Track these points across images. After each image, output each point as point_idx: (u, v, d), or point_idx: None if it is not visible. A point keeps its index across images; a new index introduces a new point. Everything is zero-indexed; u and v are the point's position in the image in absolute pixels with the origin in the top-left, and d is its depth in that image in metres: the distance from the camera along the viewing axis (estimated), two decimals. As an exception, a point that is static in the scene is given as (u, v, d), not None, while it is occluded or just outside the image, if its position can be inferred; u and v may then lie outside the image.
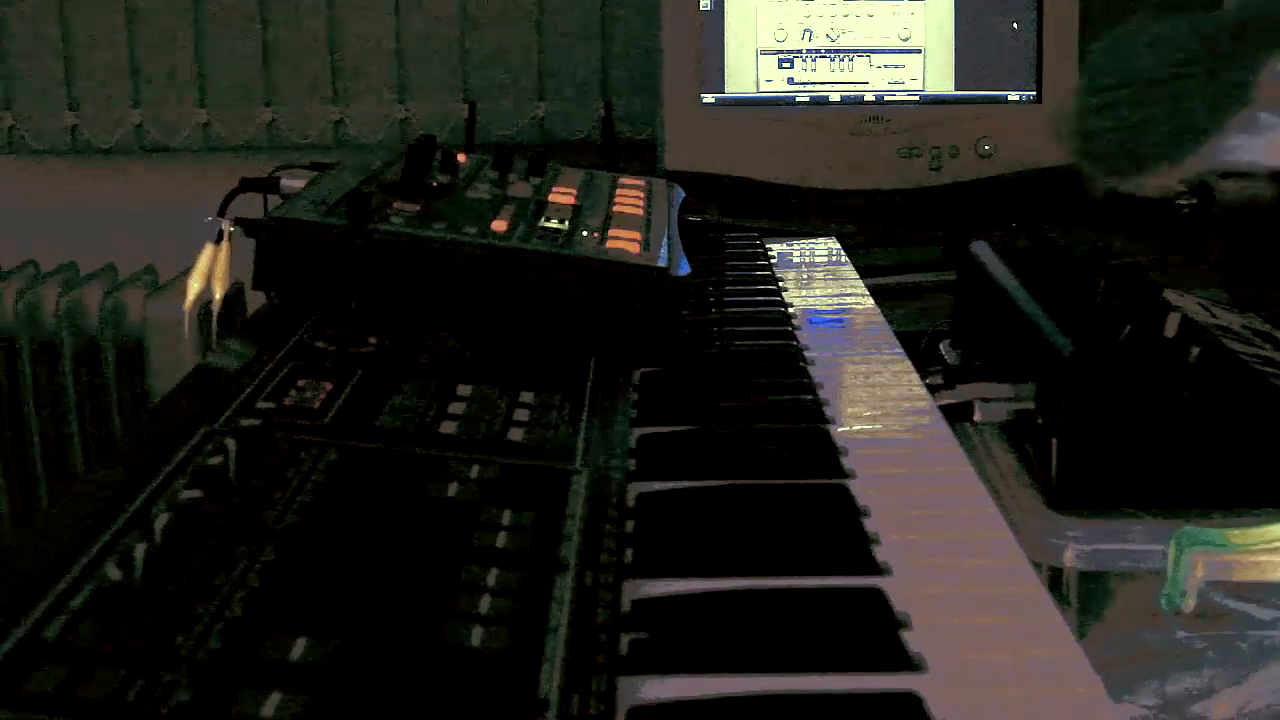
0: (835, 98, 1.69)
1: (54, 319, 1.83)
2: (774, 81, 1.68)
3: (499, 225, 0.83)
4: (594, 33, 1.94)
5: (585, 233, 0.85)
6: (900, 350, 0.87)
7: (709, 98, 1.67)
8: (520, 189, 0.94)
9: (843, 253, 1.19)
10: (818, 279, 1.11)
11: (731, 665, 0.46)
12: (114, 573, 0.45)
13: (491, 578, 0.48)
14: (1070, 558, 0.84)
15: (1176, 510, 0.83)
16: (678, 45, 1.66)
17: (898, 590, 0.51)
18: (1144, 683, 0.83)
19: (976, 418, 0.94)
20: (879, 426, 0.73)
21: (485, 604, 0.47)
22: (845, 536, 0.57)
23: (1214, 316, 1.03)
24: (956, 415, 0.92)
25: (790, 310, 0.94)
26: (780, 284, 1.02)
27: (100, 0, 1.94)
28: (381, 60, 1.95)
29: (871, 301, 1.01)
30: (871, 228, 1.62)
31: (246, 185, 1.00)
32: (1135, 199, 1.69)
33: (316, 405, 0.64)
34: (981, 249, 1.12)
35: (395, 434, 0.62)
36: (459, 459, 0.59)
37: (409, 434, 0.62)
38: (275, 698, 0.40)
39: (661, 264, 0.82)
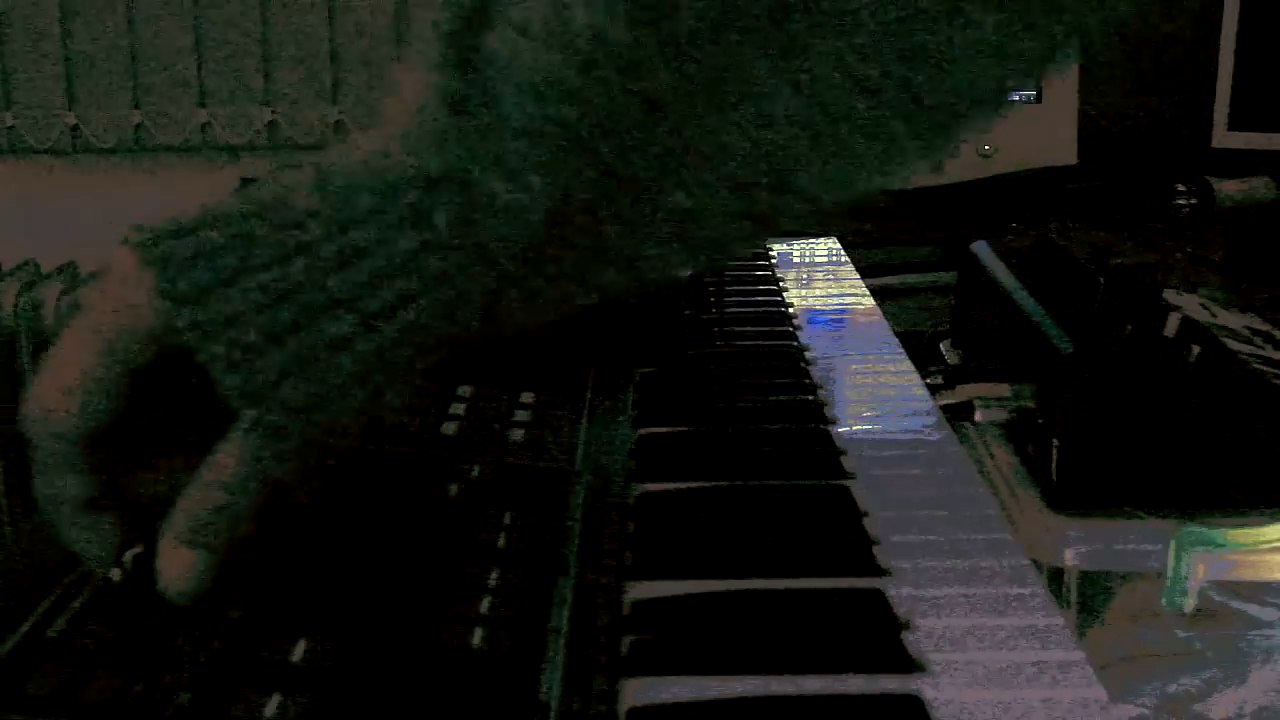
0: (835, 97, 1.69)
1: (54, 319, 1.83)
2: (774, 81, 1.68)
3: (499, 225, 0.83)
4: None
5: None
6: (900, 350, 0.87)
7: (709, 97, 1.67)
8: (520, 189, 0.94)
9: (843, 253, 1.19)
10: (818, 279, 1.11)
11: (732, 666, 0.46)
12: (114, 573, 0.45)
13: (492, 578, 0.48)
14: (1070, 558, 0.84)
15: (1177, 510, 0.83)
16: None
17: (898, 591, 0.51)
18: (1144, 683, 0.83)
19: (977, 418, 0.94)
20: (879, 426, 0.73)
21: (486, 605, 0.47)
22: (846, 537, 0.57)
23: (1214, 316, 1.03)
24: (956, 415, 0.92)
25: (790, 310, 0.94)
26: (780, 284, 1.02)
27: (100, 0, 1.94)
28: (381, 61, 1.95)
29: (871, 301, 1.01)
30: (872, 228, 1.62)
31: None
32: (1135, 198, 1.69)
33: (317, 406, 0.63)
34: (981, 249, 1.12)
35: (396, 434, 0.62)
36: (459, 459, 0.59)
37: (409, 434, 0.62)
38: (276, 699, 0.40)
39: (662, 264, 0.81)
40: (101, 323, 0.46)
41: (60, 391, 0.46)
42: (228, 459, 0.46)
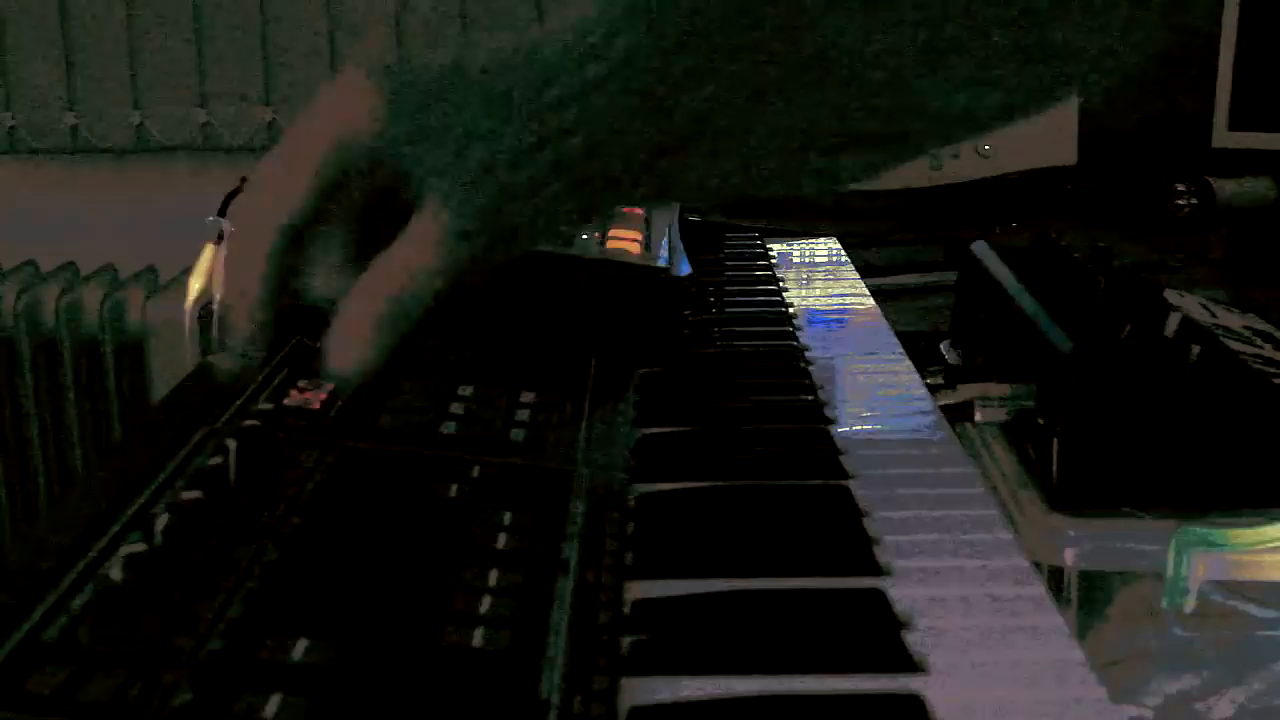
0: (835, 97, 1.69)
1: (54, 319, 1.83)
2: (774, 81, 1.68)
3: (499, 225, 0.83)
4: (594, 32, 1.94)
5: (585, 233, 0.85)
6: (900, 350, 0.87)
7: (709, 97, 1.67)
8: (520, 189, 0.94)
9: (843, 253, 1.19)
10: (818, 279, 1.11)
11: (733, 666, 0.46)
12: (114, 573, 0.45)
13: (492, 578, 0.48)
14: (1070, 558, 0.83)
15: (1177, 510, 0.83)
16: (678, 45, 1.65)
17: (898, 591, 0.51)
18: (1144, 683, 0.83)
19: (977, 418, 0.94)
20: (879, 426, 0.73)
21: (486, 605, 0.47)
22: (846, 537, 0.57)
23: (1214, 316, 1.03)
24: (956, 415, 0.92)
25: (790, 310, 0.94)
26: (780, 284, 1.02)
27: (100, 0, 1.94)
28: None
29: (871, 301, 1.01)
30: (871, 228, 1.62)
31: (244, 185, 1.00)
32: (1135, 198, 1.69)
33: (317, 406, 0.63)
34: (981, 249, 1.12)
35: (396, 434, 0.62)
36: (459, 459, 0.59)
37: (409, 434, 0.62)
38: (276, 699, 0.40)
39: (662, 264, 0.81)
40: (324, 122, 0.53)
41: (273, 181, 0.54)
42: (414, 252, 0.52)
